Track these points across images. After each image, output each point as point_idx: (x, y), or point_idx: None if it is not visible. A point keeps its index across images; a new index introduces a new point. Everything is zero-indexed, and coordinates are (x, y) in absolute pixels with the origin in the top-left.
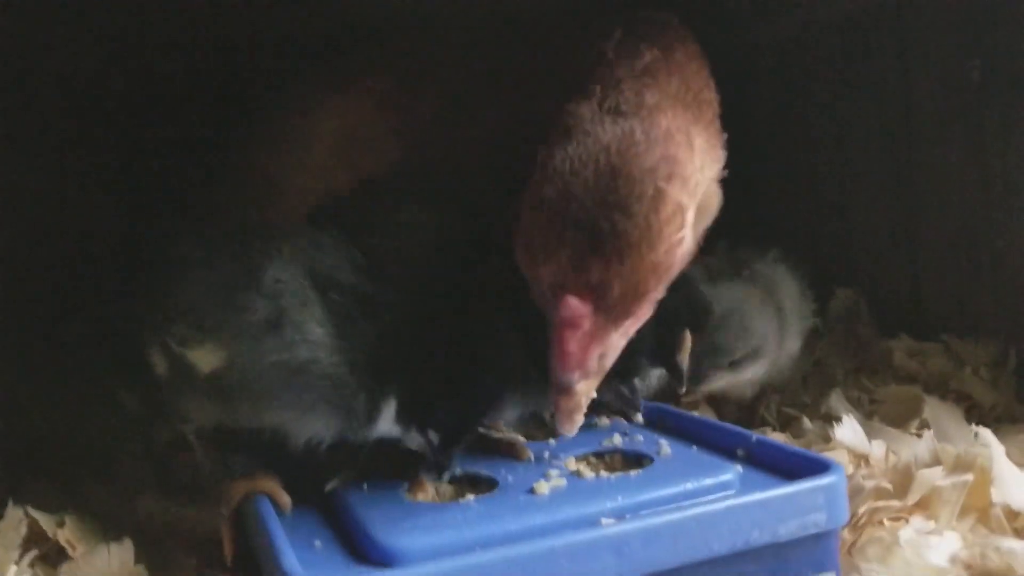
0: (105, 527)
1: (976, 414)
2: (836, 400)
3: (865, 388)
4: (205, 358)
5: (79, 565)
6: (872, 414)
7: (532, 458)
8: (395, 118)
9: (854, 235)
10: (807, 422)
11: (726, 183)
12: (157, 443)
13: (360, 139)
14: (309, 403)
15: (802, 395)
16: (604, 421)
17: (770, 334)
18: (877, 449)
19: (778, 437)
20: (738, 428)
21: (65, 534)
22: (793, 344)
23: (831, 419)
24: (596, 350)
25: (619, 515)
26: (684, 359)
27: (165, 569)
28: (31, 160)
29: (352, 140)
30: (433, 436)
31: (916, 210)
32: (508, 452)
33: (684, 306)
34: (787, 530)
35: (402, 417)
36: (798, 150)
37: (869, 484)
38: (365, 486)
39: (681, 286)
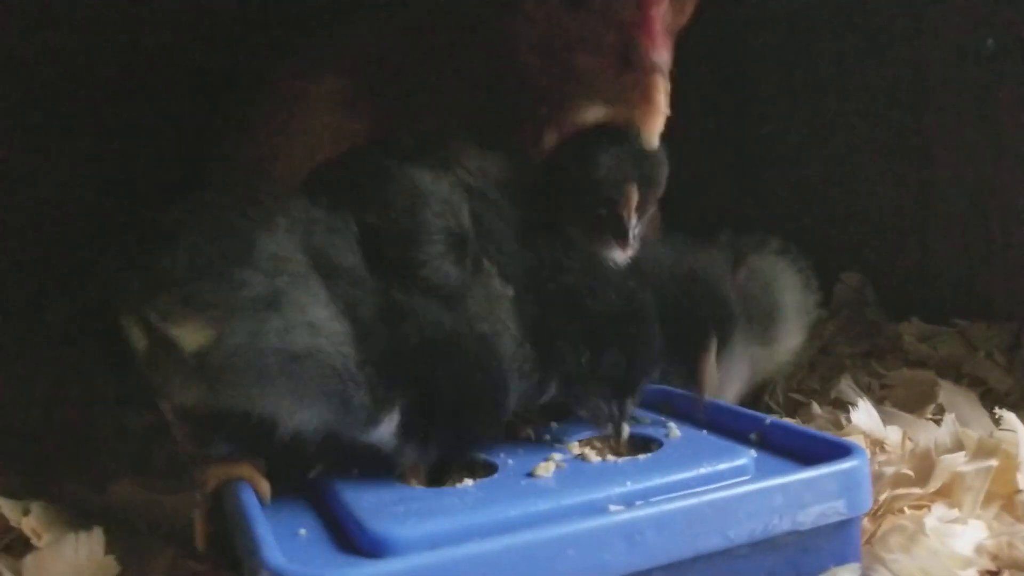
0: (75, 515)
1: (991, 399)
2: (846, 385)
3: (875, 373)
4: (191, 335)
5: (45, 556)
6: (883, 399)
7: (532, 436)
8: (369, 108)
9: (861, 215)
10: (817, 407)
11: (729, 166)
12: (133, 426)
13: (336, 129)
14: (306, 394)
15: (809, 380)
16: None
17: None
18: (893, 434)
19: (787, 420)
20: (750, 411)
21: (30, 522)
22: (793, 340)
23: (842, 404)
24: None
25: (628, 501)
26: (707, 365)
27: (139, 560)
28: (9, 140)
29: (329, 129)
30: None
31: (925, 189)
32: (507, 430)
33: (711, 312)
34: (808, 518)
35: (403, 431)
36: (804, 129)
37: (889, 470)
38: (355, 471)
39: (709, 290)
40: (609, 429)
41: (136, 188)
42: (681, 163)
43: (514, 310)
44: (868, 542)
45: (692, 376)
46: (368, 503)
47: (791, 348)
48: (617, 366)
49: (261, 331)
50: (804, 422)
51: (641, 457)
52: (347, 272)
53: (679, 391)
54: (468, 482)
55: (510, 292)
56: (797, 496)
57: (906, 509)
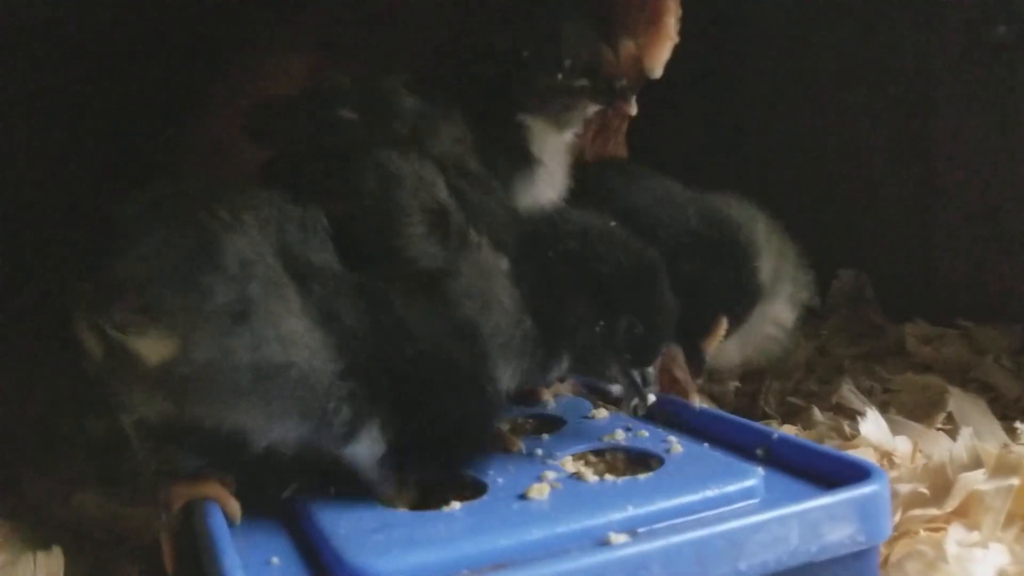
0: (36, 528)
1: (999, 406)
2: (847, 390)
3: (877, 376)
4: (152, 347)
5: None
6: (887, 404)
7: (523, 450)
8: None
9: (862, 209)
10: (818, 413)
11: (725, 156)
12: (96, 433)
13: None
14: (278, 411)
15: (807, 383)
16: (602, 412)
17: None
18: (902, 445)
19: (787, 431)
20: (756, 424)
21: None
22: (782, 310)
23: (844, 410)
24: None
25: (630, 528)
26: (711, 345)
27: None
28: None
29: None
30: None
31: (931, 182)
32: (496, 442)
33: (727, 285)
34: (825, 548)
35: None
36: (805, 120)
37: (903, 489)
38: (332, 489)
39: (731, 260)
40: (634, 400)
41: (104, 170)
42: (676, 154)
43: (510, 283)
44: (882, 566)
45: (691, 353)
46: (346, 529)
47: (781, 321)
48: (634, 331)
49: (230, 346)
50: (804, 429)
51: (641, 476)
52: (323, 272)
53: (678, 399)
54: (455, 505)
55: (504, 264)
56: (814, 525)
57: (921, 531)
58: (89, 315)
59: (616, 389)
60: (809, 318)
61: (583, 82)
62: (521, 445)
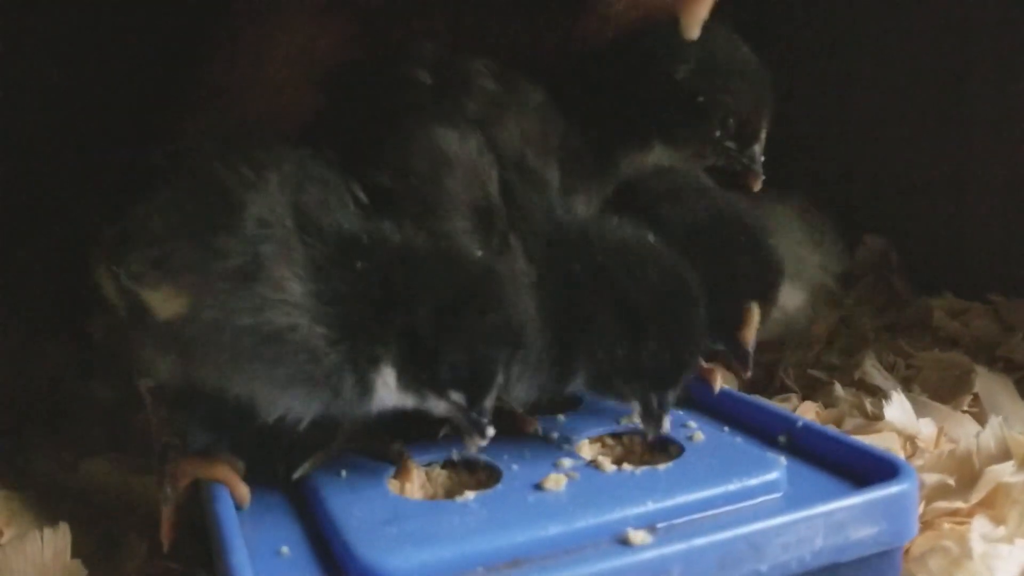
0: (43, 501)
1: None
2: (871, 366)
3: (901, 351)
4: (163, 302)
5: (8, 553)
6: (910, 381)
7: (539, 431)
8: (351, 25)
9: (891, 173)
10: (839, 389)
11: None
12: (102, 399)
13: (316, 51)
14: (283, 379)
15: (828, 355)
16: None
17: None
18: (926, 428)
19: (808, 408)
20: (780, 410)
21: None
22: (794, 296)
23: (866, 387)
24: None
25: (649, 523)
26: (750, 336)
27: (108, 559)
28: None
29: (307, 53)
30: (456, 396)
31: (964, 147)
32: (512, 423)
33: (751, 270)
34: (849, 548)
35: (409, 383)
36: (836, 81)
37: (929, 479)
38: (344, 472)
39: (748, 244)
40: (649, 425)
41: (115, 118)
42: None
43: (535, 293)
44: (904, 560)
45: (732, 347)
46: (358, 519)
47: (795, 305)
48: (659, 358)
49: (237, 307)
50: (825, 406)
51: (661, 467)
52: (334, 234)
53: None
54: (469, 495)
55: (532, 275)
56: (840, 526)
57: (945, 524)
58: (108, 262)
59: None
60: (837, 288)
61: (730, 144)
62: (537, 426)
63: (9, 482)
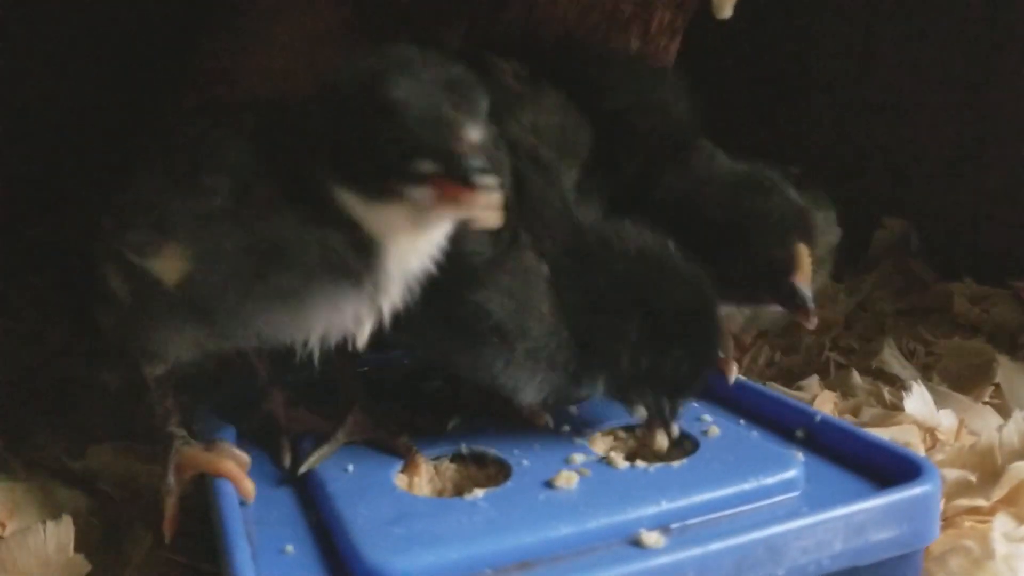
0: (47, 489)
1: None
2: (889, 354)
3: (921, 338)
4: (169, 265)
5: (11, 546)
6: (929, 369)
7: (550, 424)
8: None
9: (911, 152)
10: (857, 377)
11: (767, 89)
12: (108, 384)
13: (319, 36)
14: (297, 292)
15: (846, 338)
16: None
17: None
18: (946, 420)
19: (826, 398)
20: (798, 403)
21: None
22: None
23: (885, 376)
24: None
25: (662, 524)
26: (805, 278)
27: (113, 550)
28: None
29: (310, 38)
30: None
31: (987, 130)
32: (521, 416)
33: (787, 213)
34: (868, 551)
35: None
36: (855, 52)
37: (950, 475)
38: (351, 466)
39: (771, 191)
40: (658, 428)
41: (122, 96)
42: (716, 98)
43: (550, 292)
44: (924, 559)
45: (786, 295)
46: (364, 518)
47: None
48: (679, 368)
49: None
50: (844, 395)
51: (675, 464)
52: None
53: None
54: (478, 493)
55: (545, 271)
56: (859, 528)
57: (966, 521)
58: (109, 246)
59: (640, 414)
60: (851, 269)
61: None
62: (549, 419)
63: (12, 472)
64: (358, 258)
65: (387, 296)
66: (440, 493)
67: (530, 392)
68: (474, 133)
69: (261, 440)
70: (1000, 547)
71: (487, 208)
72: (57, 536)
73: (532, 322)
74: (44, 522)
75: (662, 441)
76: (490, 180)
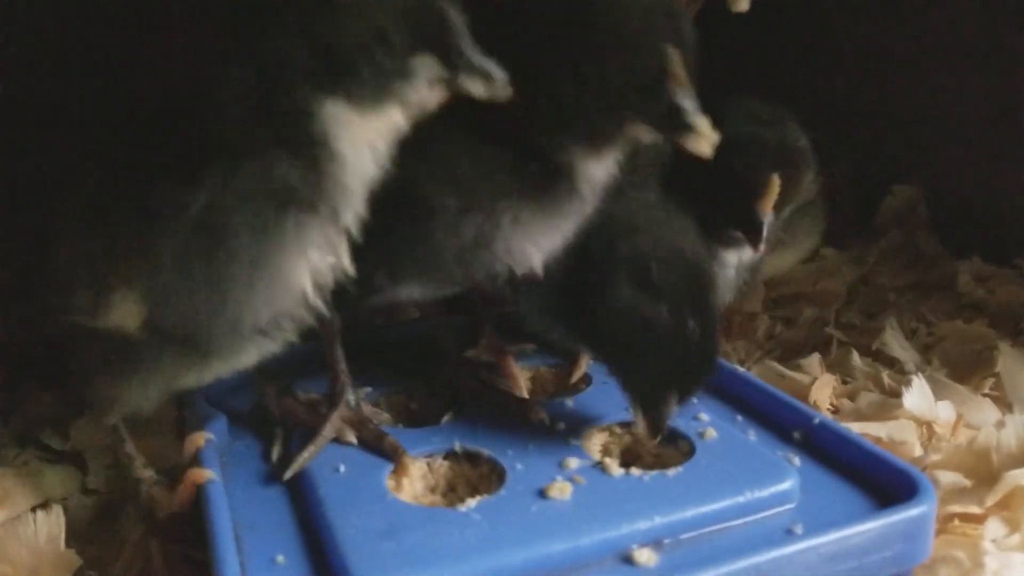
0: (37, 472)
1: None
2: (891, 337)
3: (923, 318)
4: (125, 314)
5: (1, 535)
6: (929, 350)
7: (546, 420)
8: None
9: (926, 119)
10: (857, 358)
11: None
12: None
13: None
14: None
15: (847, 313)
16: None
17: None
18: (944, 412)
19: (825, 383)
20: (797, 403)
21: None
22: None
23: (885, 358)
24: None
25: (655, 540)
26: (766, 207)
27: (103, 538)
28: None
29: None
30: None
31: (1010, 95)
32: (518, 409)
33: (773, 142)
34: (862, 571)
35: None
36: (871, 13)
37: (944, 479)
38: (342, 467)
39: (773, 120)
40: (651, 432)
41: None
42: (726, 57)
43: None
44: None
45: (745, 220)
46: (355, 529)
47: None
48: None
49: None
50: (843, 376)
51: (670, 472)
52: None
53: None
54: (471, 503)
55: None
56: (856, 550)
57: (958, 526)
58: (64, 318)
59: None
60: (856, 238)
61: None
62: (545, 415)
63: (3, 448)
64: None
65: None
66: (433, 490)
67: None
68: None
69: (252, 428)
70: (991, 561)
71: None
72: (48, 526)
73: None
74: (35, 511)
75: (650, 440)
76: None
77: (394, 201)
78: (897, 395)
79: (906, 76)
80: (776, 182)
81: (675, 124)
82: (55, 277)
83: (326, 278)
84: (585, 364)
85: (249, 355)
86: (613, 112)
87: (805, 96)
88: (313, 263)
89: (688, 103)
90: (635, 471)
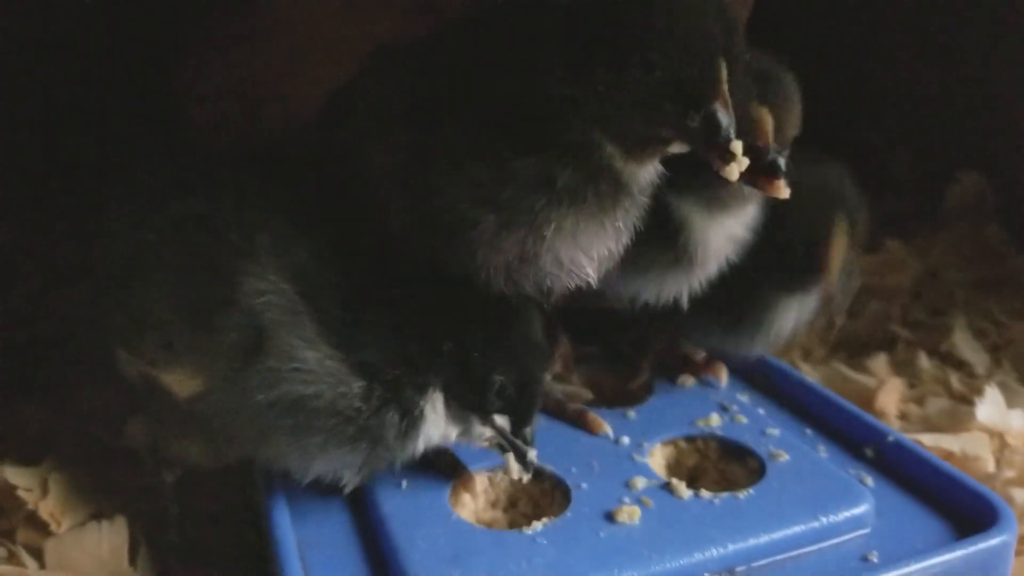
0: (96, 486)
1: None
2: (960, 338)
3: (994, 318)
4: (180, 382)
5: (66, 544)
6: (999, 351)
7: (610, 434)
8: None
9: (991, 101)
10: (925, 360)
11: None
12: None
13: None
14: (315, 447)
15: (914, 310)
16: (689, 380)
17: None
18: (1016, 422)
19: (893, 388)
20: (871, 419)
21: (48, 506)
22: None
23: (954, 361)
24: None
25: (729, 567)
26: (835, 255)
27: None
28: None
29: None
30: (500, 420)
31: None
32: (579, 422)
33: (839, 185)
34: None
35: (455, 410)
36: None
37: (1021, 498)
38: (404, 482)
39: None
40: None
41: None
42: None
43: None
44: None
45: (815, 262)
46: (421, 554)
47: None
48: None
49: (248, 382)
50: (909, 378)
51: (741, 495)
52: (340, 291)
53: (779, 366)
54: (537, 525)
55: None
56: None
57: None
58: (124, 348)
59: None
60: (920, 230)
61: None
62: (607, 428)
63: (61, 447)
64: None
65: None
66: (493, 504)
67: None
68: None
69: None
70: None
71: None
72: (111, 537)
73: None
74: (99, 521)
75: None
76: None
77: None
78: (967, 401)
79: (971, 52)
80: (843, 229)
81: (709, 141)
82: (136, 311)
83: None
84: (647, 372)
85: None
86: (650, 116)
87: (867, 82)
88: None
89: (724, 119)
90: (705, 493)
